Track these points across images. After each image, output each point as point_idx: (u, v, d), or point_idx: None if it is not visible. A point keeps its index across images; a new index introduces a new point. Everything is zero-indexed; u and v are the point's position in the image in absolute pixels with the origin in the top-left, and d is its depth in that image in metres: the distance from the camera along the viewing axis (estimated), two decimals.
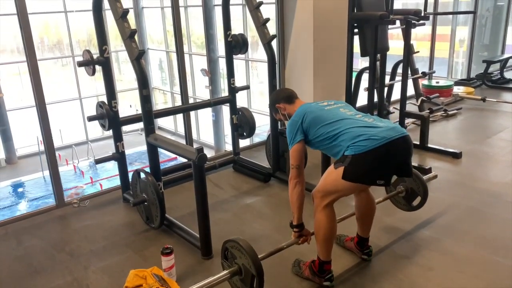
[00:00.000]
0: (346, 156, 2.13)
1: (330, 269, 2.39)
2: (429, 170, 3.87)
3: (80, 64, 3.22)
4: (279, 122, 4.07)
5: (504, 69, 7.39)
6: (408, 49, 4.14)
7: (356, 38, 3.77)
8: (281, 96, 2.59)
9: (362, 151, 2.08)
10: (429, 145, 4.42)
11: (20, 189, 12.38)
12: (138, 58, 2.77)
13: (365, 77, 4.18)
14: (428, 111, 5.20)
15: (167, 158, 10.84)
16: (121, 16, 2.78)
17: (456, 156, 4.23)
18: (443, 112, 5.59)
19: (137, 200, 3.09)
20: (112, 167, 12.10)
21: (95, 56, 3.22)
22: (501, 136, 4.85)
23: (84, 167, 13.34)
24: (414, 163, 4.05)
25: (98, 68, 3.24)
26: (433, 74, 6.88)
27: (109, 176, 11.99)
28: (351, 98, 3.98)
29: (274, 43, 3.69)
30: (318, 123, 2.27)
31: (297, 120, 2.32)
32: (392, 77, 5.15)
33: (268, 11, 4.31)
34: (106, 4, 3.05)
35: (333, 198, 2.26)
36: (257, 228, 3.14)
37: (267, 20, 3.58)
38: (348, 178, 2.14)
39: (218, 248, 2.76)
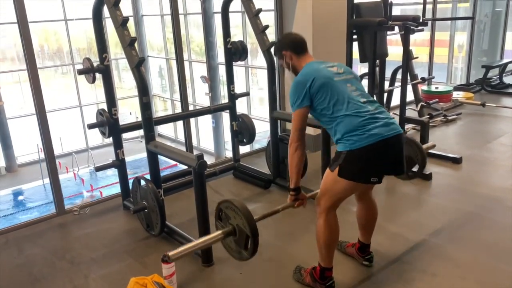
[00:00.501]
0: (341, 153, 2.15)
1: (331, 275, 2.38)
2: (429, 176, 3.87)
3: (81, 72, 3.23)
4: (279, 128, 4.08)
5: (503, 74, 7.42)
6: (407, 55, 4.15)
7: (355, 44, 3.79)
8: (289, 43, 2.40)
9: (357, 148, 2.10)
10: (429, 151, 4.41)
11: (20, 197, 12.36)
12: (138, 66, 2.78)
13: (365, 82, 4.20)
14: (428, 116, 5.20)
15: (165, 166, 10.83)
16: (121, 24, 2.79)
17: (457, 161, 4.23)
18: (442, 117, 5.59)
19: (138, 207, 3.09)
20: (111, 174, 12.11)
21: (95, 64, 3.24)
22: (501, 141, 4.85)
23: (84, 175, 13.33)
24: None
25: (98, 75, 3.26)
26: (433, 80, 6.90)
27: (109, 184, 11.98)
28: None
29: (273, 50, 3.71)
30: (324, 93, 2.18)
31: (305, 83, 2.20)
32: (392, 83, 5.16)
33: (267, 18, 4.33)
34: (106, 12, 3.07)
35: (334, 201, 2.27)
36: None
37: (266, 27, 3.59)
38: (344, 175, 2.16)
39: (218, 256, 2.77)
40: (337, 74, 2.26)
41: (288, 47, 2.39)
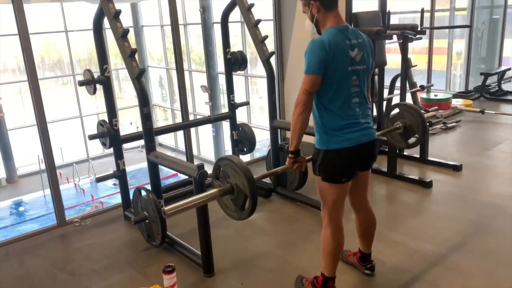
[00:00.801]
0: (319, 151, 2.23)
1: (333, 285, 2.38)
2: (430, 183, 3.87)
3: (81, 83, 3.25)
4: (279, 137, 4.09)
5: (502, 81, 7.44)
6: (406, 63, 4.18)
7: None
8: None
9: (331, 148, 2.20)
10: (429, 158, 4.42)
11: (21, 208, 12.34)
12: (139, 77, 2.80)
13: None
14: (427, 124, 5.21)
15: (164, 176, 10.84)
16: (121, 36, 2.81)
17: (457, 168, 4.23)
18: (442, 125, 5.61)
19: (138, 218, 3.08)
20: (111, 184, 12.11)
21: (96, 75, 3.26)
22: (500, 148, 4.86)
23: (84, 185, 13.32)
24: (415, 176, 4.06)
25: (99, 86, 3.27)
26: (431, 87, 6.93)
27: (109, 194, 11.98)
28: None
29: (272, 60, 3.73)
30: (334, 77, 2.11)
31: (326, 53, 2.06)
32: (391, 91, 5.18)
33: (266, 28, 4.36)
34: (106, 23, 3.09)
35: (333, 206, 2.29)
36: (259, 244, 3.13)
37: (266, 37, 3.62)
38: (323, 177, 2.25)
39: (220, 266, 2.77)
40: (352, 62, 2.14)
41: None
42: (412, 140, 2.90)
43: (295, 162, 2.29)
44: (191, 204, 2.07)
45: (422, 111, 5.52)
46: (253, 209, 2.03)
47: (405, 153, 4.50)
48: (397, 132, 2.89)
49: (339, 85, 2.14)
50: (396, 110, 2.94)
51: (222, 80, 12.36)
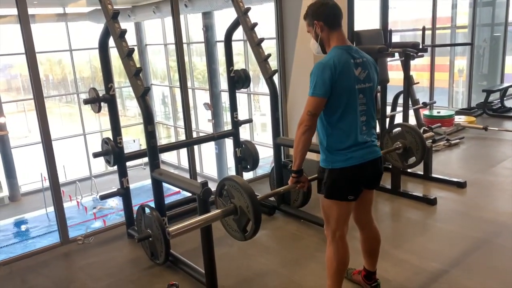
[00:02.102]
0: (324, 170, 2.24)
1: None
2: (434, 201, 3.86)
3: (86, 102, 3.28)
4: (283, 154, 4.09)
5: (505, 98, 7.46)
6: (408, 80, 4.20)
7: None
8: (325, 14, 2.18)
9: (338, 168, 2.20)
10: (433, 175, 4.41)
11: (23, 227, 12.29)
12: (144, 95, 2.83)
13: None
14: (431, 141, 5.21)
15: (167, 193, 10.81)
16: (127, 55, 2.85)
17: (461, 185, 4.22)
18: (445, 141, 5.61)
19: (142, 236, 3.07)
20: (115, 203, 12.08)
21: (100, 94, 3.29)
22: (504, 165, 4.84)
23: (87, 203, 13.29)
24: (419, 193, 4.04)
25: (103, 105, 3.30)
26: (434, 104, 6.95)
27: (112, 212, 11.94)
28: None
29: (275, 77, 3.76)
30: (341, 97, 2.12)
31: (331, 73, 2.08)
32: (393, 108, 5.20)
33: (269, 46, 4.41)
34: (111, 42, 3.13)
35: (337, 224, 2.29)
36: (263, 262, 3.11)
37: (269, 55, 3.66)
38: (327, 195, 2.25)
39: (224, 284, 2.74)
40: (358, 81, 2.17)
41: (323, 18, 2.18)
42: (410, 161, 2.90)
43: (298, 182, 2.30)
44: (196, 224, 2.08)
45: (425, 127, 5.53)
46: (255, 231, 2.04)
47: (408, 170, 4.49)
48: (396, 152, 2.92)
49: (347, 104, 2.16)
50: (398, 129, 2.96)
51: (224, 97, 12.44)
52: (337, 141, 2.19)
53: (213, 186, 2.62)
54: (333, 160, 2.21)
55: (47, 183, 3.60)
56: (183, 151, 4.85)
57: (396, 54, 4.19)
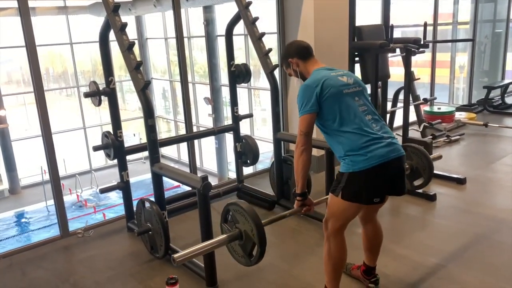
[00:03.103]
0: (343, 174, 2.16)
1: None
2: (434, 197, 3.86)
3: (87, 95, 3.27)
4: (283, 149, 4.09)
5: (505, 95, 7.45)
6: (409, 76, 4.20)
7: (357, 66, 3.83)
8: (295, 50, 2.38)
9: (359, 170, 2.10)
10: (433, 171, 4.41)
11: (23, 219, 12.32)
12: (144, 89, 2.82)
13: None
14: (431, 137, 5.22)
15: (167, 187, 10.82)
16: (127, 49, 2.84)
17: (461, 182, 4.22)
18: (445, 138, 5.60)
19: (142, 229, 3.08)
20: (114, 196, 12.09)
21: (101, 87, 3.28)
22: (504, 161, 4.84)
23: (87, 196, 13.31)
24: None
25: (103, 98, 3.30)
26: (435, 100, 6.94)
27: (112, 205, 11.96)
28: None
29: (276, 72, 3.75)
30: (332, 105, 2.16)
31: (314, 88, 2.16)
32: (394, 104, 5.19)
33: (270, 41, 4.39)
34: (111, 35, 3.12)
35: (341, 224, 2.27)
36: None
37: (270, 50, 3.65)
38: (347, 197, 2.16)
39: (223, 278, 2.75)
40: (347, 86, 2.23)
41: (294, 54, 2.37)
42: (418, 182, 2.90)
43: (303, 205, 2.33)
44: (201, 250, 2.09)
45: (425, 123, 5.52)
46: (261, 255, 2.04)
47: None
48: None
49: (342, 109, 2.16)
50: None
51: (225, 92, 12.41)
52: (350, 142, 2.13)
53: (212, 181, 2.63)
54: (353, 163, 2.12)
55: (47, 176, 3.60)
56: (183, 146, 4.85)
57: (398, 50, 4.18)
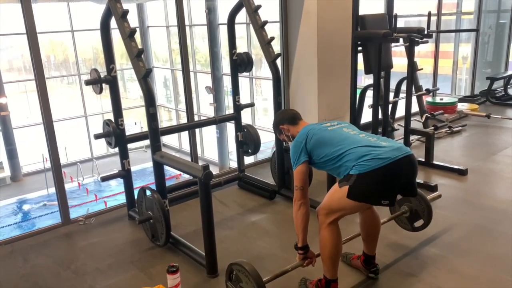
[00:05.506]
0: (351, 175, 2.15)
1: (337, 287, 2.37)
2: (435, 187, 3.86)
3: (88, 82, 3.26)
4: None
5: (508, 86, 7.41)
6: (412, 67, 4.17)
7: (360, 56, 3.80)
8: (285, 118, 2.60)
9: (367, 170, 2.10)
10: (435, 162, 4.41)
11: (25, 206, 12.38)
12: (145, 77, 2.81)
13: (369, 94, 4.21)
14: (433, 128, 5.20)
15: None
16: (128, 36, 2.82)
17: (462, 173, 4.22)
18: (447, 129, 5.59)
19: (143, 217, 3.09)
20: (115, 184, 12.13)
21: (102, 75, 3.27)
22: (506, 152, 4.83)
23: (88, 184, 13.36)
24: (420, 180, 4.04)
25: (105, 86, 3.28)
26: (437, 91, 6.91)
27: (113, 194, 12.01)
28: (355, 115, 4.00)
29: (278, 61, 3.73)
30: (322, 144, 2.28)
31: (301, 141, 2.33)
32: (396, 94, 5.17)
33: (273, 29, 4.36)
34: (112, 23, 3.10)
35: (338, 216, 2.27)
36: (263, 246, 3.12)
37: (272, 39, 3.62)
38: (353, 197, 2.15)
39: (224, 266, 2.75)
40: (331, 126, 2.41)
41: (285, 121, 2.57)
42: (418, 223, 2.91)
43: (305, 258, 2.39)
44: None
45: (427, 114, 5.49)
46: None
47: None
48: (404, 216, 2.94)
49: (333, 138, 2.28)
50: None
51: (226, 81, 12.38)
52: (351, 158, 2.16)
53: (213, 170, 2.62)
54: (361, 166, 2.11)
55: (48, 164, 3.60)
56: (184, 135, 4.85)
57: (401, 40, 4.15)
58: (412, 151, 2.25)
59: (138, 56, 2.81)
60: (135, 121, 15.66)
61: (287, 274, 2.40)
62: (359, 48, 3.79)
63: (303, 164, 2.30)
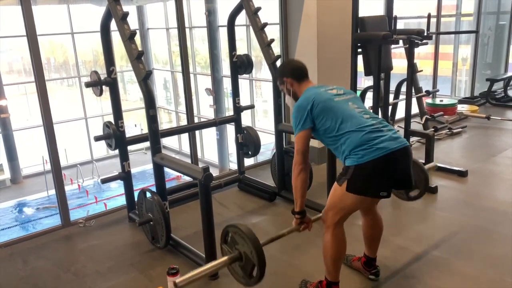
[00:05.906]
0: (349, 168, 2.15)
1: None
2: (435, 189, 3.86)
3: (88, 85, 3.26)
4: (284, 141, 4.08)
5: (508, 87, 7.42)
6: (412, 68, 4.17)
7: (360, 58, 3.81)
8: (290, 70, 2.47)
9: (365, 162, 2.10)
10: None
11: (24, 209, 12.36)
12: (146, 79, 2.81)
13: (369, 95, 4.21)
14: (433, 129, 5.20)
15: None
16: (128, 38, 2.83)
17: (462, 174, 4.22)
18: (447, 130, 5.59)
19: (143, 219, 3.09)
20: (115, 186, 12.12)
21: (102, 77, 3.27)
22: (506, 154, 4.83)
23: (88, 186, 13.34)
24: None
25: (105, 88, 3.29)
26: (437, 93, 6.91)
27: (113, 196, 11.99)
28: None
29: (278, 63, 3.73)
30: (326, 115, 2.22)
31: (306, 106, 2.24)
32: (396, 96, 5.17)
33: (273, 31, 4.36)
34: (112, 25, 3.11)
35: (342, 216, 2.27)
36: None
37: (272, 41, 3.62)
38: (352, 190, 2.16)
39: (225, 269, 2.75)
40: (337, 95, 2.31)
41: (289, 74, 2.45)
42: (414, 193, 2.89)
43: (302, 223, 2.36)
44: (203, 274, 2.06)
45: (427, 116, 5.50)
46: (261, 276, 2.05)
47: None
48: None
49: (337, 113, 2.21)
50: None
51: (226, 83, 12.38)
52: (352, 140, 2.14)
53: (213, 172, 2.62)
54: (359, 156, 2.11)
55: (48, 166, 3.60)
56: (185, 137, 4.84)
57: (401, 42, 4.15)
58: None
59: (138, 58, 2.81)
60: (135, 123, 15.64)
61: (287, 274, 2.40)
62: (359, 50, 3.79)
63: (307, 130, 2.25)
